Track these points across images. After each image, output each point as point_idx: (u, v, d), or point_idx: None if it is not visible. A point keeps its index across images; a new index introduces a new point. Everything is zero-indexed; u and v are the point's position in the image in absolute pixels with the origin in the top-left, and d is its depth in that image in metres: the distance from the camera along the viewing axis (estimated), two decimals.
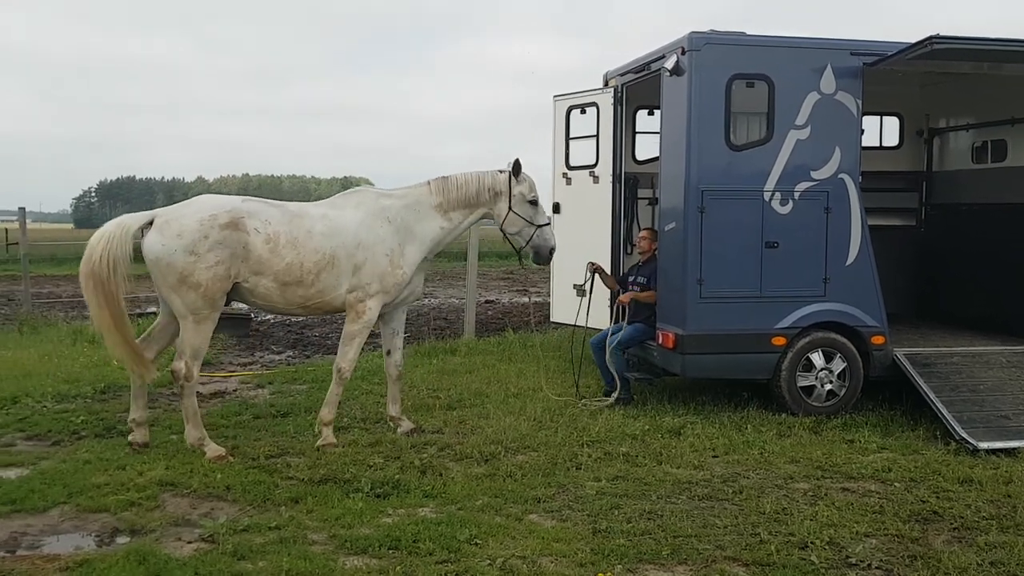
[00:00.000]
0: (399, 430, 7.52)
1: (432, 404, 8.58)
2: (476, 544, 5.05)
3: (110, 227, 6.79)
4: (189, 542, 5.13)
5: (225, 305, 7.13)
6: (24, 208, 16.12)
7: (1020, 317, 9.14)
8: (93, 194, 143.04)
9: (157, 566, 4.67)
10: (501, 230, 7.67)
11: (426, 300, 19.49)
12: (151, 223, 6.76)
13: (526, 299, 19.86)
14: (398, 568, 4.72)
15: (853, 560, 4.93)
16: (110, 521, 5.48)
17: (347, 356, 7.28)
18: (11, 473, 6.38)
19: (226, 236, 6.68)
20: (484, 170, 7.64)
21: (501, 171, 7.56)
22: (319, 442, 7.10)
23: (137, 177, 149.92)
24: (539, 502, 5.84)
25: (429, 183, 7.51)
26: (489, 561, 4.82)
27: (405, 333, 8.04)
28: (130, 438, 7.00)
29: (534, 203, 7.54)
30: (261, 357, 12.10)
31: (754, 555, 4.98)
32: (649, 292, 8.73)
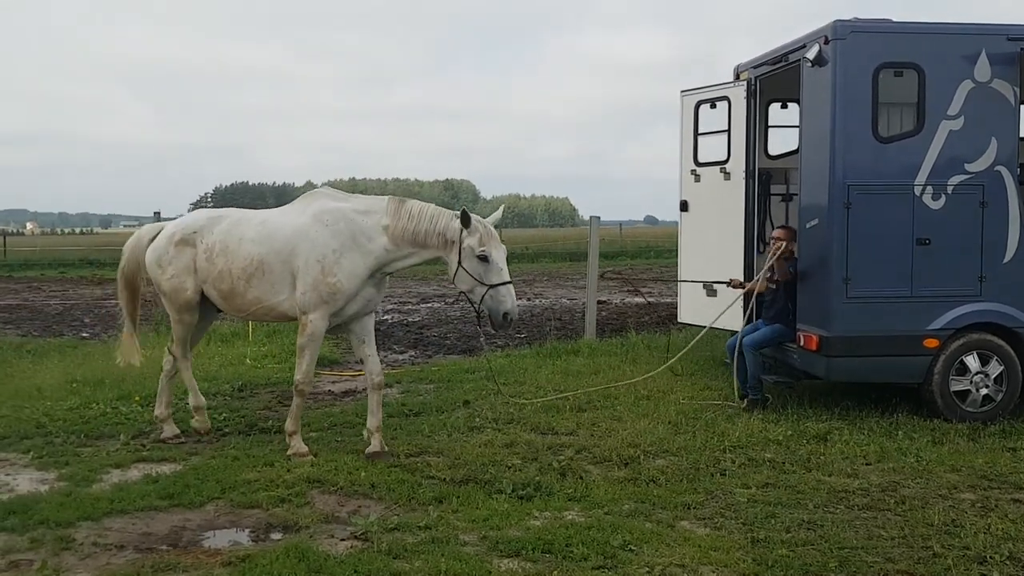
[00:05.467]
0: (367, 449, 6.87)
1: (562, 405, 8.47)
2: (631, 551, 4.91)
3: (132, 239, 7.79)
4: (342, 539, 5.16)
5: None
6: (159, 212, 16.76)
7: None
8: (209, 199, 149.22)
9: (316, 563, 4.70)
10: (454, 285, 6.82)
11: (536, 300, 19.44)
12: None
13: (640, 299, 19.56)
14: (554, 572, 4.62)
15: None
16: (263, 517, 5.57)
17: (300, 368, 6.91)
18: (165, 468, 6.59)
19: (179, 252, 7.27)
20: (443, 211, 6.76)
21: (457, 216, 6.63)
22: (288, 452, 6.81)
23: (250, 183, 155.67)
24: (689, 508, 5.66)
25: (389, 200, 6.87)
26: (647, 568, 4.67)
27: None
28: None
29: (483, 259, 6.47)
30: (384, 357, 12.23)
31: (929, 569, 4.68)
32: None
